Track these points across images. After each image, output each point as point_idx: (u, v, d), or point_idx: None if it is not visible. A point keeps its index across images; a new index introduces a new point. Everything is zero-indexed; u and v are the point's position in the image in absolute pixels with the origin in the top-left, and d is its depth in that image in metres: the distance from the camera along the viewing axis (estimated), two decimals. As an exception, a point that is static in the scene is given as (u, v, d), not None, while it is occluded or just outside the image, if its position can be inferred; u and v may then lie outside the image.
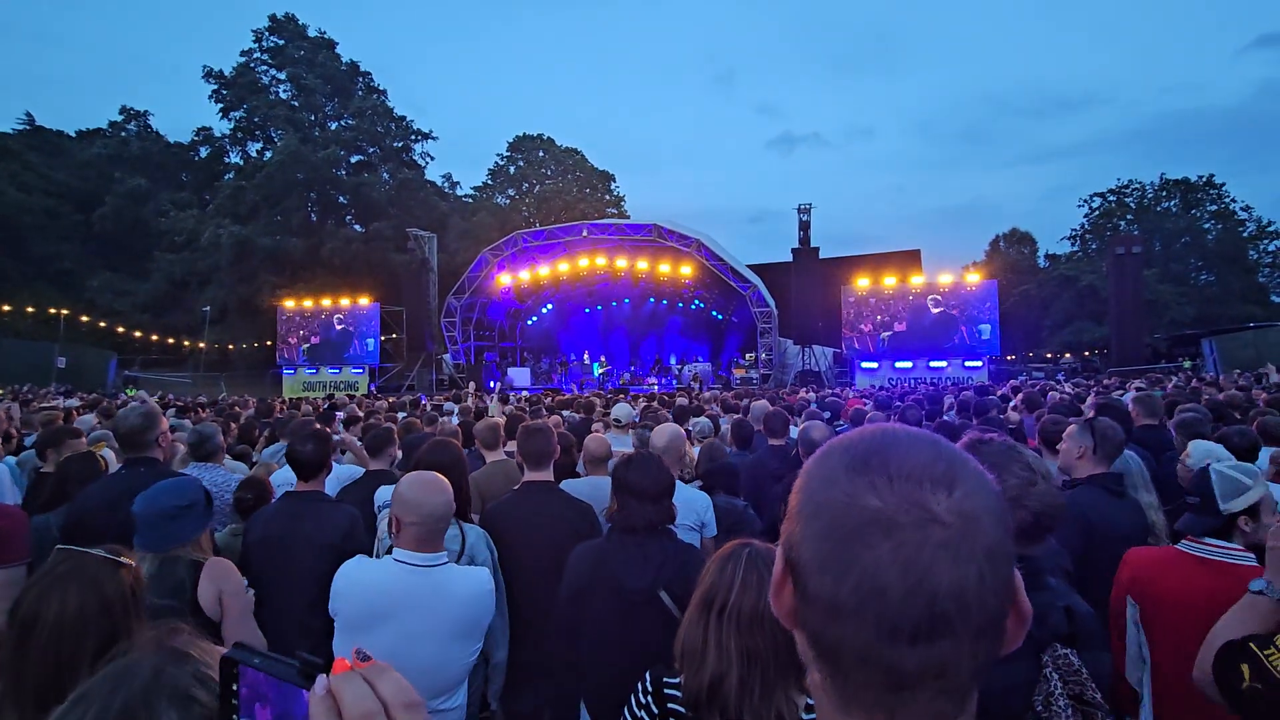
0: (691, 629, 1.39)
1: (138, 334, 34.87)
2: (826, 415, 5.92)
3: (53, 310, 31.25)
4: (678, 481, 3.12)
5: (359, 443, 4.75)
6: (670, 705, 1.44)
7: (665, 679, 1.47)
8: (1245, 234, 39.64)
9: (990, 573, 0.49)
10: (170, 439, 3.23)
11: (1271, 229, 39.45)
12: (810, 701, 1.30)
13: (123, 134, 41.39)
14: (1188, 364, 16.35)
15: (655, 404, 8.26)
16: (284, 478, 3.91)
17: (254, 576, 2.77)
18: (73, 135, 42.56)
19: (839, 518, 0.51)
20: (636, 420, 5.35)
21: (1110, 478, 2.72)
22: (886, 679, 0.50)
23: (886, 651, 0.49)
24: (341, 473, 3.95)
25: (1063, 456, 2.86)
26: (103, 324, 34.14)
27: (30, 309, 32.13)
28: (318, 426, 4.20)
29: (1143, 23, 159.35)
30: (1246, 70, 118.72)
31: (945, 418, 6.09)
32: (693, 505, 3.01)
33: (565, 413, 6.83)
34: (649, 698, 1.48)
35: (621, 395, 12.30)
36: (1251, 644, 1.51)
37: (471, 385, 10.60)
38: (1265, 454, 3.62)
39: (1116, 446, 2.78)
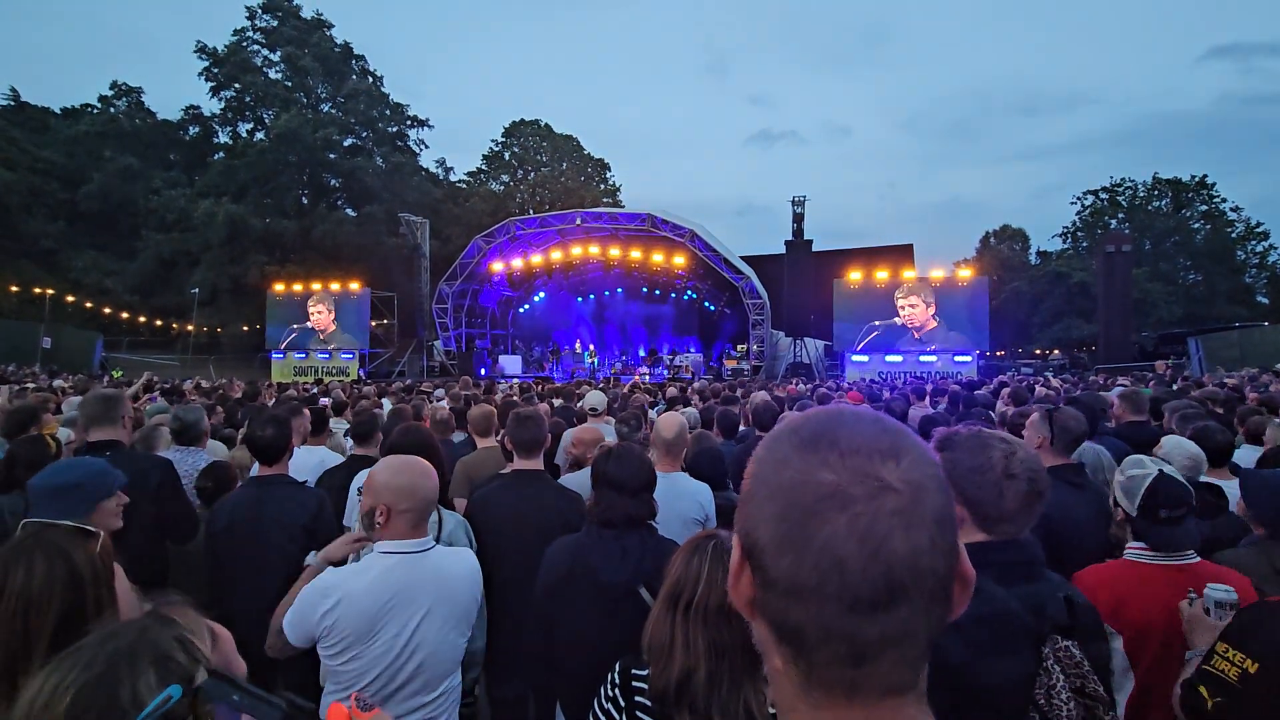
0: (659, 624, 1.36)
1: (125, 315, 34.48)
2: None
3: (37, 290, 30.83)
4: (683, 473, 3.08)
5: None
6: (637, 698, 1.41)
7: (634, 669, 1.44)
8: (1234, 235, 39.95)
9: (940, 537, 0.51)
10: (132, 420, 3.19)
11: (1259, 230, 39.79)
12: None
13: (111, 109, 40.64)
14: (1170, 362, 16.45)
15: (639, 392, 8.26)
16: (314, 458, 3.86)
17: (221, 564, 2.74)
18: (58, 112, 41.78)
19: (795, 496, 0.52)
20: (599, 410, 5.29)
21: (1069, 469, 2.74)
22: (850, 651, 0.50)
23: (849, 623, 0.50)
24: (311, 460, 3.88)
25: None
26: (89, 304, 33.74)
27: (14, 288, 31.66)
28: (307, 410, 4.19)
29: (1114, 28, 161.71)
30: (1204, 79, 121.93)
31: (929, 411, 6.13)
32: (697, 497, 2.96)
33: (556, 401, 6.83)
34: (616, 689, 1.45)
35: (613, 384, 12.29)
36: (1203, 667, 1.57)
37: (466, 380, 10.49)
38: (1251, 452, 3.68)
39: (1075, 438, 2.81)
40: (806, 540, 0.50)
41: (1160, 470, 1.94)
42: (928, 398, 7.86)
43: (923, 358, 20.79)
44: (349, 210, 38.28)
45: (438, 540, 2.40)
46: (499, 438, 3.70)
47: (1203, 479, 2.97)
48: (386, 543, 1.90)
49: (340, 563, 2.08)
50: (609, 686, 1.47)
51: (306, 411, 4.01)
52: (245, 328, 33.79)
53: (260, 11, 38.22)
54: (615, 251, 21.78)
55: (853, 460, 0.52)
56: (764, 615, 0.55)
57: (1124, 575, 1.96)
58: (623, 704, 1.43)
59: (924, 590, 0.50)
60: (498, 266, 22.63)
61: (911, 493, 0.51)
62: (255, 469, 3.02)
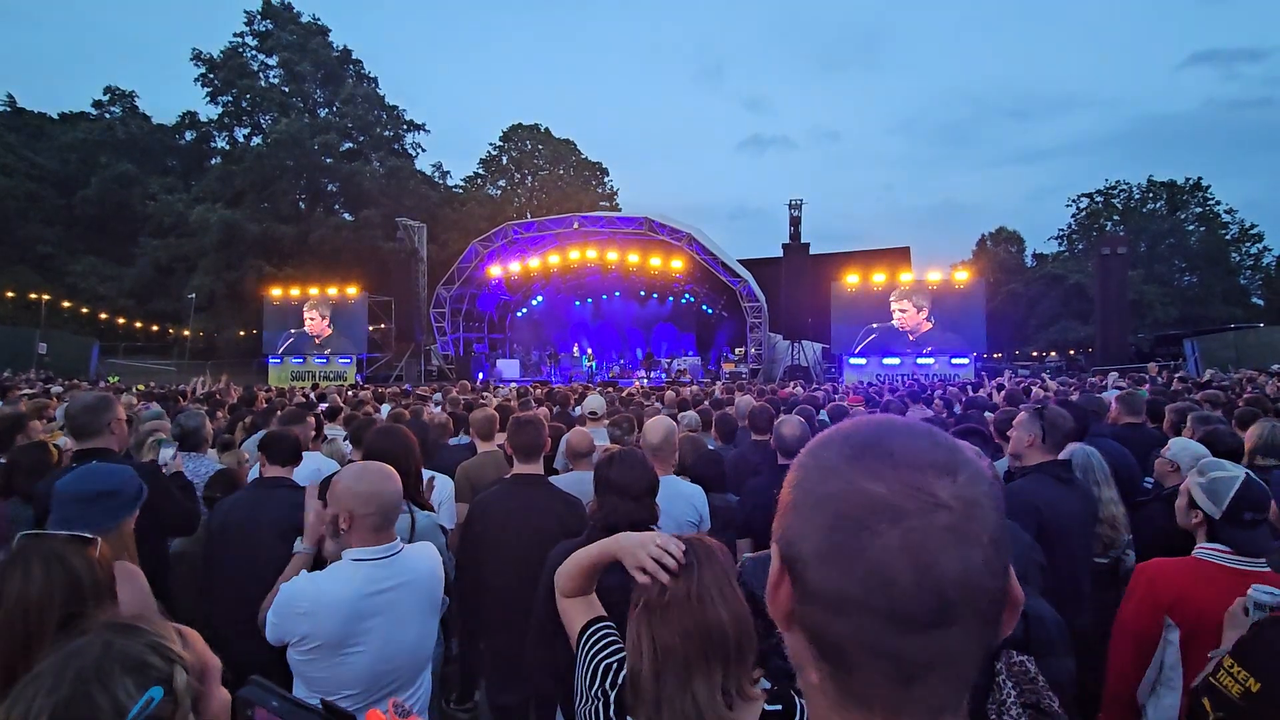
0: (628, 625, 1.38)
1: (121, 321, 34.36)
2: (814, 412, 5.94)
3: (34, 295, 30.73)
4: (675, 476, 3.09)
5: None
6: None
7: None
8: (1228, 237, 40.16)
9: (994, 556, 0.49)
10: (125, 427, 3.12)
11: (1254, 232, 40.01)
12: (765, 687, 1.30)
13: (107, 115, 40.62)
14: (1160, 363, 16.41)
15: (639, 397, 8.25)
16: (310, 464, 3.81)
17: (213, 564, 2.74)
18: (55, 117, 41.73)
19: (843, 508, 0.50)
20: (599, 414, 5.26)
21: (1057, 465, 2.79)
22: (897, 671, 0.49)
23: (898, 642, 0.48)
24: (307, 466, 3.84)
25: (1013, 444, 2.94)
26: (85, 310, 33.62)
27: (10, 294, 31.56)
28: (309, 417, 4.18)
29: (1102, 33, 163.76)
30: (1189, 84, 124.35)
31: (928, 413, 6.15)
32: (691, 500, 2.97)
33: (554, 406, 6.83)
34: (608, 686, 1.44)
35: (611, 388, 12.28)
36: (1209, 678, 1.50)
37: (464, 384, 10.48)
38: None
39: (1065, 435, 2.85)
40: (855, 553, 0.48)
41: (1247, 473, 1.95)
42: (927, 400, 7.87)
43: (920, 360, 20.82)
44: (346, 215, 38.27)
45: (411, 540, 2.41)
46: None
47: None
48: (356, 550, 1.92)
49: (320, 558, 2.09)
50: (606, 684, 1.47)
51: (310, 419, 4.00)
52: (242, 333, 33.73)
53: (258, 16, 38.29)
54: (613, 255, 21.76)
55: (905, 473, 0.50)
56: (802, 628, 0.53)
57: (1190, 571, 1.96)
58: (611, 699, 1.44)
59: (976, 611, 0.48)
60: (495, 271, 22.63)
61: (965, 510, 0.49)
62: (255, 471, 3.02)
